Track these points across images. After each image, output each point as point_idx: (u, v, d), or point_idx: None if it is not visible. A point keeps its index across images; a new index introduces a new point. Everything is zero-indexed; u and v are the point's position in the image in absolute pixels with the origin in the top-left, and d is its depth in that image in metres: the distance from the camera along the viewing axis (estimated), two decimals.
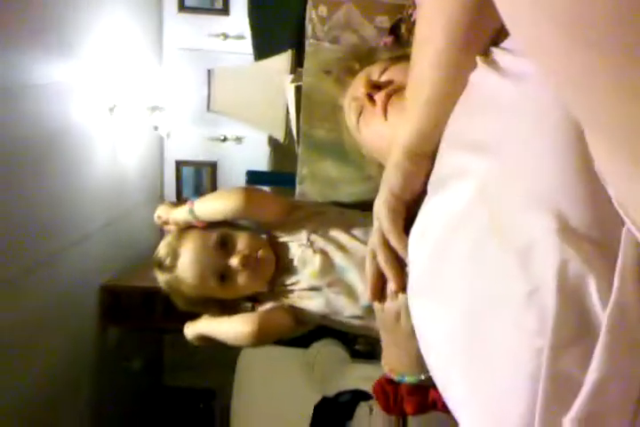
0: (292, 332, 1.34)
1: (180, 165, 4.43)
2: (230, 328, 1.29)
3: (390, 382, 0.93)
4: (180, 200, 4.45)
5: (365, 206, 0.93)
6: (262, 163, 3.56)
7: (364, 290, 1.22)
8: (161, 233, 4.33)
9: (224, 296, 1.32)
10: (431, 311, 0.68)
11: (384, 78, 1.13)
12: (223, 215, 1.32)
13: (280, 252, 1.35)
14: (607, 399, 0.51)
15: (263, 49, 2.24)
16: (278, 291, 1.36)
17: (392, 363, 0.92)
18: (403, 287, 0.79)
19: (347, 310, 1.31)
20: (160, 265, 1.31)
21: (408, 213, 0.79)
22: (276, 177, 2.38)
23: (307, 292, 1.32)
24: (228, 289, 1.30)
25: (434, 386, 0.75)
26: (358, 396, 2.04)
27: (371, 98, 1.10)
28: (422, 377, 0.88)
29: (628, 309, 0.50)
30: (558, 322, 0.52)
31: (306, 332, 1.40)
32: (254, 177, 1.93)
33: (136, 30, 3.97)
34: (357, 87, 1.14)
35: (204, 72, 2.72)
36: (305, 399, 2.24)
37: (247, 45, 3.22)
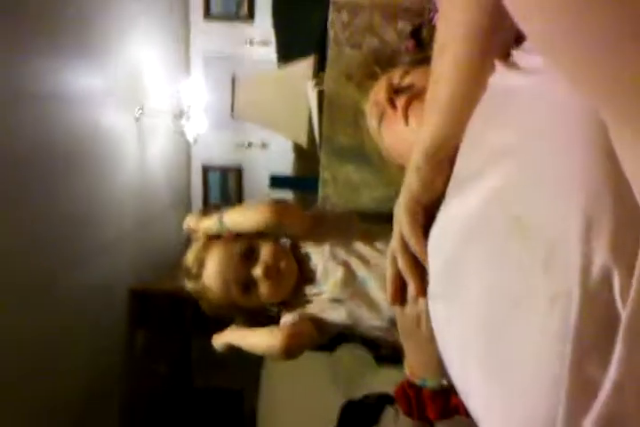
0: (317, 343, 1.35)
1: (206, 170, 4.47)
2: (260, 343, 1.30)
3: (412, 386, 0.92)
4: (206, 205, 4.49)
5: (389, 211, 0.93)
6: (287, 168, 3.57)
7: (386, 302, 1.22)
8: (188, 238, 4.36)
9: (248, 305, 1.34)
10: (450, 316, 0.68)
11: (405, 82, 1.13)
12: (251, 228, 1.34)
13: (302, 262, 1.36)
14: (626, 400, 0.50)
15: (287, 54, 2.26)
16: (301, 300, 1.36)
17: (413, 367, 0.91)
18: (423, 292, 0.78)
19: (369, 322, 1.31)
20: (187, 273, 1.33)
21: (428, 217, 0.79)
22: (299, 182, 2.39)
23: (329, 303, 1.33)
24: (251, 298, 1.31)
25: (456, 391, 0.75)
26: (384, 399, 2.02)
27: (392, 102, 1.10)
28: (444, 382, 0.87)
29: None
30: (581, 326, 0.52)
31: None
32: (277, 182, 1.93)
33: (163, 38, 4.02)
34: (378, 92, 1.14)
35: (229, 78, 2.74)
36: (330, 403, 2.23)
37: (272, 51, 3.25)
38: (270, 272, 1.29)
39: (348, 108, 1.37)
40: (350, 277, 1.31)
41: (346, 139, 1.42)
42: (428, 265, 0.76)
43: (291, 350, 1.27)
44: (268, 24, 3.03)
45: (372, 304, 1.29)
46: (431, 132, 0.79)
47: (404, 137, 1.08)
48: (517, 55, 0.70)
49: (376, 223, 1.37)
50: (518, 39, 0.73)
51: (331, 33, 1.41)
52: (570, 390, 0.52)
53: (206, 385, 4.51)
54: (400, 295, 0.83)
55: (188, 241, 1.39)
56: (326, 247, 1.33)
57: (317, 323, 1.32)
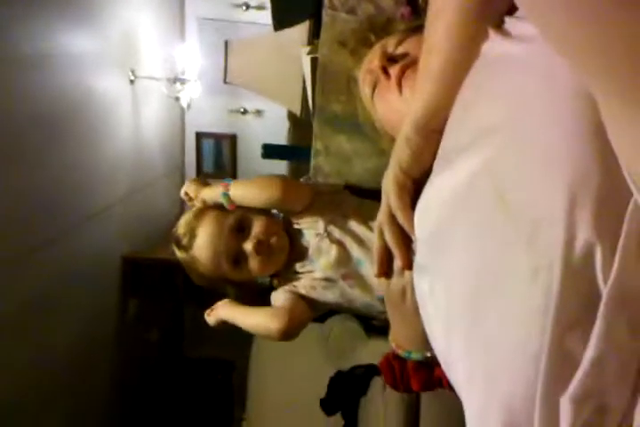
0: (310, 320, 1.35)
1: (200, 137, 4.44)
2: (257, 325, 1.29)
3: (397, 357, 0.93)
4: (200, 173, 4.46)
5: (380, 182, 0.92)
6: (282, 136, 3.54)
7: (378, 283, 1.22)
8: (182, 205, 4.35)
9: (237, 278, 1.33)
10: (435, 288, 0.68)
11: (400, 51, 1.10)
12: (257, 204, 1.32)
13: (295, 238, 1.35)
14: (605, 377, 0.51)
15: (282, 19, 2.21)
16: (292, 275, 1.36)
17: (398, 339, 0.92)
18: (409, 264, 0.78)
19: (361, 301, 1.31)
20: (178, 243, 1.32)
21: (417, 190, 0.78)
22: (291, 151, 2.37)
23: (321, 282, 1.32)
24: (240, 272, 1.31)
25: (439, 364, 0.75)
26: (372, 371, 2.05)
27: (385, 71, 1.08)
28: (428, 354, 0.88)
29: (629, 283, 0.49)
30: (562, 300, 0.52)
31: None
32: (270, 150, 1.91)
33: (157, 1, 3.95)
34: (372, 60, 1.12)
35: (224, 43, 2.69)
36: (320, 373, 2.26)
37: (268, 16, 3.19)
38: (261, 247, 1.28)
39: (342, 75, 1.34)
40: (344, 258, 1.30)
41: (339, 107, 1.39)
42: (414, 237, 0.76)
43: (289, 334, 1.27)
44: None
45: (365, 285, 1.29)
46: (423, 102, 0.78)
47: (397, 107, 1.06)
48: (510, 23, 0.69)
49: (368, 198, 1.36)
50: (513, 7, 0.71)
51: None
52: (549, 364, 0.53)
53: (197, 355, 4.55)
54: (386, 268, 0.83)
55: (181, 209, 1.38)
56: (320, 224, 1.32)
57: (310, 302, 1.32)
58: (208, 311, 1.38)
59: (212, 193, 1.33)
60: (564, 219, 0.52)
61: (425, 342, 0.80)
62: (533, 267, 0.54)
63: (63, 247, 2.95)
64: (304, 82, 1.77)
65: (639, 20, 0.34)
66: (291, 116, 2.94)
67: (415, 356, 0.90)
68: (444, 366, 0.71)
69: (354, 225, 1.30)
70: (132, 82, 3.61)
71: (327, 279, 1.32)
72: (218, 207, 1.33)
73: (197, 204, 1.34)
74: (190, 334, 4.62)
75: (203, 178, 1.40)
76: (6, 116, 2.45)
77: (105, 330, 3.57)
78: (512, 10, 0.71)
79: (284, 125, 3.52)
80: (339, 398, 2.18)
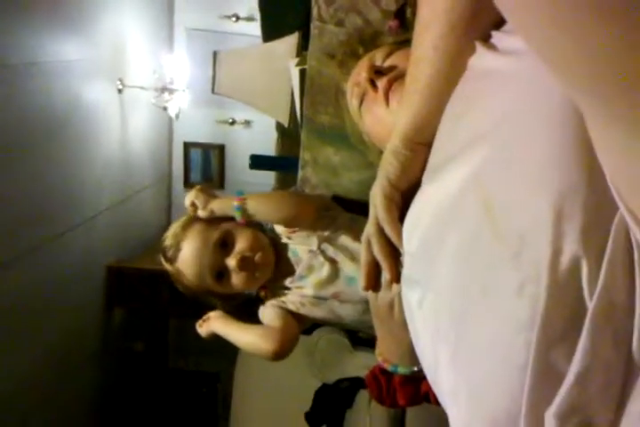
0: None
1: (188, 146, 4.43)
2: (251, 343, 1.28)
3: (383, 372, 0.92)
4: (187, 183, 4.45)
5: (368, 194, 0.92)
6: (270, 147, 3.53)
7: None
8: (169, 215, 4.31)
9: (221, 292, 1.32)
10: (423, 301, 0.67)
11: (387, 63, 1.11)
12: (269, 220, 1.32)
13: (282, 252, 1.34)
14: (589, 391, 0.50)
15: (271, 31, 2.21)
16: (279, 290, 1.35)
17: (385, 353, 0.91)
18: (397, 278, 0.78)
19: (351, 318, 1.31)
20: (164, 254, 1.31)
21: (405, 202, 0.78)
22: (279, 162, 2.36)
23: (311, 299, 1.31)
24: (224, 286, 1.29)
25: (426, 378, 0.74)
26: (358, 384, 2.04)
27: (373, 83, 1.08)
28: (415, 369, 0.88)
29: (615, 297, 0.49)
30: (548, 314, 0.52)
31: None
32: (257, 161, 1.91)
33: (146, 10, 3.95)
34: (360, 72, 1.12)
35: (213, 53, 2.70)
36: (305, 386, 2.24)
37: (257, 27, 3.20)
38: (244, 263, 1.27)
39: (330, 87, 1.34)
40: (334, 276, 1.29)
41: (327, 119, 1.39)
42: (403, 250, 0.75)
43: (281, 356, 1.26)
44: None
45: (356, 302, 1.28)
46: (410, 114, 0.78)
47: (384, 120, 1.06)
48: (497, 37, 0.69)
49: (356, 210, 1.36)
50: (500, 22, 0.71)
51: (314, 10, 1.38)
52: (534, 379, 0.52)
53: (182, 366, 4.52)
54: (374, 281, 0.83)
55: (168, 219, 1.36)
56: (314, 241, 1.31)
57: (298, 318, 1.31)
58: (200, 322, 1.37)
59: (224, 205, 1.29)
60: (550, 232, 0.51)
61: (412, 357, 0.80)
62: (520, 280, 0.53)
63: (47, 255, 2.92)
64: (292, 93, 1.77)
65: (621, 33, 0.34)
66: (279, 127, 2.94)
67: (402, 370, 0.89)
68: (430, 380, 0.71)
69: (347, 241, 1.29)
70: (120, 91, 3.60)
71: (317, 297, 1.31)
72: (206, 220, 1.31)
73: (203, 214, 1.30)
74: (175, 345, 4.59)
75: (209, 188, 1.37)
76: None
77: (89, 339, 3.54)
78: (499, 24, 0.71)
79: (273, 136, 3.52)
80: (324, 412, 2.17)
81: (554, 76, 0.43)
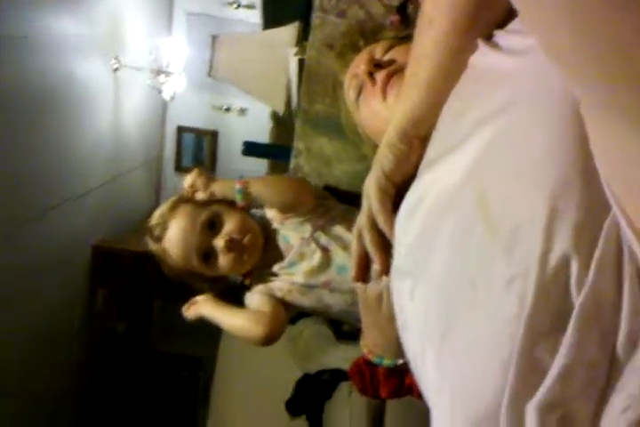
0: None
1: (181, 130, 4.41)
2: (241, 327, 1.27)
3: (368, 363, 0.93)
4: (179, 167, 4.43)
5: (359, 186, 0.92)
6: (264, 136, 3.53)
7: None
8: (157, 197, 4.29)
9: (207, 274, 1.31)
10: (414, 293, 0.68)
11: (387, 57, 1.10)
12: (270, 203, 1.31)
13: (271, 238, 1.33)
14: (572, 386, 0.51)
15: (271, 19, 2.21)
16: (265, 276, 1.34)
17: (371, 345, 0.92)
18: (387, 269, 0.78)
19: (339, 307, 1.31)
20: (150, 234, 1.30)
21: (398, 196, 0.78)
22: (272, 149, 2.36)
23: (299, 287, 1.31)
24: (210, 268, 1.29)
25: (410, 372, 0.75)
26: (338, 376, 2.04)
27: (371, 76, 1.08)
28: (400, 361, 0.88)
29: (602, 296, 0.50)
30: (535, 310, 0.52)
31: None
32: (250, 147, 1.91)
33: None
34: (359, 64, 1.12)
35: (212, 39, 2.68)
36: (287, 375, 2.25)
37: (258, 15, 3.18)
38: (232, 245, 1.26)
39: (328, 78, 1.34)
40: (326, 265, 1.29)
41: (323, 109, 1.39)
42: (394, 243, 0.76)
43: (271, 340, 1.25)
44: None
45: (345, 292, 1.28)
46: (409, 109, 0.78)
47: (380, 114, 1.06)
48: (500, 35, 0.69)
49: (346, 200, 1.36)
50: (503, 21, 0.72)
51: (316, 0, 1.38)
52: (517, 373, 0.53)
53: (165, 349, 4.51)
54: (364, 273, 0.83)
55: (156, 200, 1.35)
56: (307, 228, 1.31)
57: (285, 305, 1.31)
58: (187, 305, 1.35)
59: (225, 188, 1.29)
60: (542, 229, 0.52)
61: (398, 349, 0.80)
62: (509, 275, 0.54)
63: (33, 232, 2.91)
64: (289, 82, 1.77)
65: (635, 23, 0.34)
66: (274, 115, 2.94)
67: (387, 362, 0.90)
68: (415, 373, 0.72)
69: (341, 231, 1.29)
70: (115, 70, 3.57)
71: (306, 285, 1.30)
72: (194, 201, 1.31)
73: (203, 196, 1.29)
74: (159, 327, 4.58)
75: (206, 171, 1.36)
76: None
77: (71, 319, 3.53)
78: (503, 24, 0.72)
79: (267, 125, 3.51)
80: (304, 401, 2.18)
81: (558, 67, 0.44)
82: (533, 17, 0.41)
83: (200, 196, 1.29)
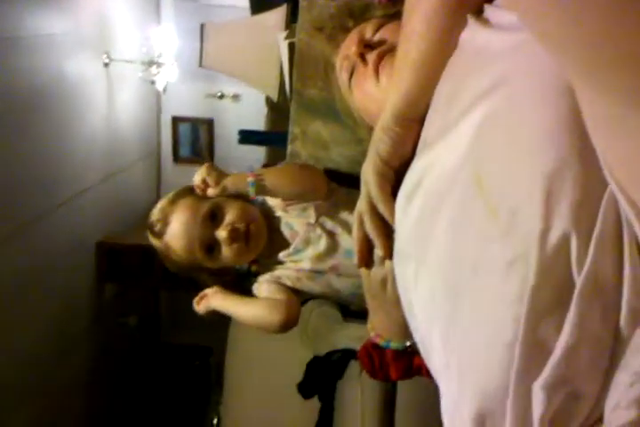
0: None
1: (176, 121, 4.39)
2: (256, 315, 1.26)
3: (376, 346, 0.93)
4: (176, 158, 4.41)
5: (357, 169, 0.91)
6: (259, 121, 3.51)
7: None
8: (158, 190, 4.28)
9: (212, 266, 1.30)
10: (419, 275, 0.68)
11: (377, 37, 1.09)
12: (284, 194, 1.30)
13: (274, 226, 1.32)
14: (577, 364, 0.51)
15: (259, 3, 2.19)
16: (272, 264, 1.34)
17: (378, 328, 0.92)
18: (390, 254, 0.78)
19: (348, 291, 1.30)
20: (151, 229, 1.29)
21: (397, 179, 0.77)
22: (268, 136, 2.35)
23: (307, 273, 1.31)
24: (214, 260, 1.28)
25: (418, 353, 0.75)
26: (348, 355, 2.05)
27: (363, 57, 1.07)
28: (407, 344, 0.88)
29: (603, 273, 0.50)
30: (537, 289, 0.52)
31: None
32: (245, 136, 1.90)
33: None
34: (349, 46, 1.11)
35: (201, 26, 2.66)
36: (297, 357, 2.26)
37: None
38: (235, 235, 1.25)
39: (319, 61, 1.32)
40: (333, 249, 1.29)
41: (316, 93, 1.38)
42: (396, 227, 0.75)
43: (289, 326, 1.25)
44: None
45: (353, 276, 1.27)
46: (402, 91, 0.77)
47: (374, 96, 1.05)
48: (490, 10, 0.68)
49: (345, 183, 1.35)
50: None
51: None
52: (523, 352, 0.53)
53: (174, 341, 4.54)
54: (367, 258, 0.83)
55: (157, 194, 1.34)
56: (312, 213, 1.30)
57: (296, 292, 1.31)
58: (197, 299, 1.34)
59: (237, 182, 1.26)
60: (540, 209, 0.52)
61: (404, 331, 0.81)
62: (510, 256, 0.54)
63: (36, 232, 2.91)
64: (281, 67, 1.75)
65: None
66: (268, 101, 2.92)
67: (395, 345, 0.90)
68: (423, 354, 0.72)
69: (345, 215, 1.29)
70: (106, 65, 3.55)
71: (314, 271, 1.30)
72: (194, 194, 1.30)
73: (215, 192, 1.27)
74: (167, 319, 4.61)
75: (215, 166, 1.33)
76: None
77: (81, 316, 3.55)
78: None
79: (262, 110, 3.49)
80: (315, 382, 2.19)
81: (548, 51, 0.43)
82: (520, 4, 0.41)
83: (212, 192, 1.27)
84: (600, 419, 0.52)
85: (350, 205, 1.27)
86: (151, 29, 3.89)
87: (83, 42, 3.29)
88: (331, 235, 1.28)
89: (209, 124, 4.35)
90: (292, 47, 1.53)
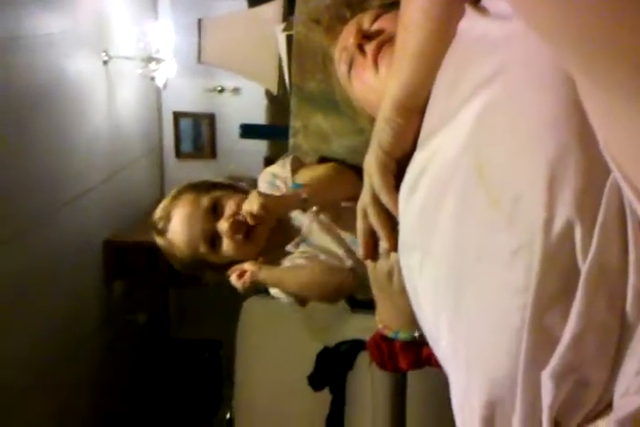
0: None
1: (177, 117, 4.38)
2: (314, 279, 1.24)
3: (384, 338, 0.93)
4: (179, 154, 4.41)
5: (359, 160, 0.91)
6: (260, 114, 3.50)
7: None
8: (162, 187, 4.28)
9: (217, 261, 1.30)
10: (423, 265, 0.68)
11: (375, 27, 1.08)
12: (332, 200, 1.30)
13: (283, 219, 1.32)
14: (585, 351, 0.51)
15: None
16: (280, 256, 1.33)
17: (386, 320, 0.92)
18: (395, 246, 0.78)
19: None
20: (154, 228, 1.29)
21: (399, 170, 0.77)
22: (270, 130, 2.35)
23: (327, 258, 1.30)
24: (219, 254, 1.27)
25: (427, 343, 0.75)
26: (358, 346, 2.06)
27: (361, 48, 1.06)
28: (416, 334, 0.88)
29: (608, 260, 0.50)
30: (542, 278, 0.52)
31: None
32: (247, 130, 1.89)
33: None
34: (347, 37, 1.10)
35: (198, 21, 2.64)
36: (306, 349, 2.27)
37: None
38: (237, 227, 1.24)
39: (318, 53, 1.32)
40: (339, 238, 1.29)
41: (316, 85, 1.37)
42: (400, 218, 0.75)
43: (344, 292, 1.26)
44: None
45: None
46: (402, 81, 0.77)
47: (374, 86, 1.04)
48: None
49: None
50: None
51: None
52: (530, 341, 0.53)
53: (183, 336, 4.56)
54: (372, 250, 0.83)
55: (161, 191, 1.34)
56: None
57: None
58: (236, 274, 1.28)
59: (289, 202, 1.24)
60: (544, 196, 0.52)
61: (412, 322, 0.80)
62: (514, 245, 0.54)
63: (42, 232, 2.92)
64: (280, 60, 1.75)
65: None
66: (268, 93, 2.91)
67: (403, 336, 0.90)
68: (431, 344, 0.72)
69: (349, 203, 1.29)
70: (105, 63, 3.54)
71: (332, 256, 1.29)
72: (195, 190, 1.29)
73: (273, 217, 1.23)
74: (175, 315, 4.62)
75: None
76: None
77: (90, 314, 3.56)
78: None
79: (263, 103, 3.49)
80: (326, 374, 2.20)
81: (545, 43, 0.43)
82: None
83: (269, 218, 1.22)
84: (609, 405, 0.52)
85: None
86: (149, 25, 3.88)
87: (81, 40, 3.28)
88: (331, 230, 1.28)
89: (210, 118, 4.35)
90: (289, 39, 1.53)
